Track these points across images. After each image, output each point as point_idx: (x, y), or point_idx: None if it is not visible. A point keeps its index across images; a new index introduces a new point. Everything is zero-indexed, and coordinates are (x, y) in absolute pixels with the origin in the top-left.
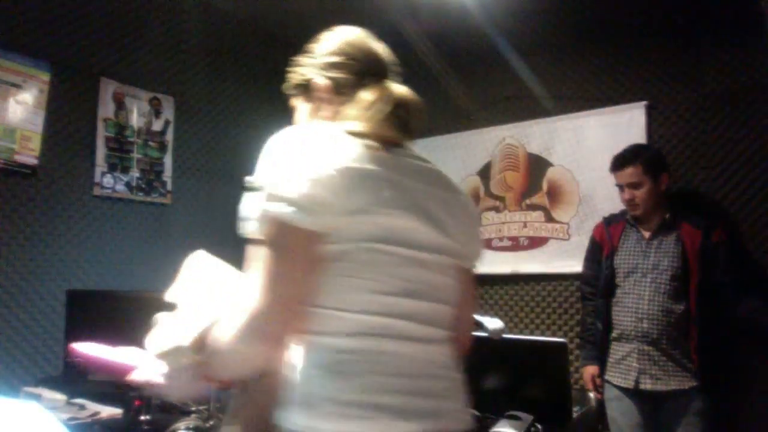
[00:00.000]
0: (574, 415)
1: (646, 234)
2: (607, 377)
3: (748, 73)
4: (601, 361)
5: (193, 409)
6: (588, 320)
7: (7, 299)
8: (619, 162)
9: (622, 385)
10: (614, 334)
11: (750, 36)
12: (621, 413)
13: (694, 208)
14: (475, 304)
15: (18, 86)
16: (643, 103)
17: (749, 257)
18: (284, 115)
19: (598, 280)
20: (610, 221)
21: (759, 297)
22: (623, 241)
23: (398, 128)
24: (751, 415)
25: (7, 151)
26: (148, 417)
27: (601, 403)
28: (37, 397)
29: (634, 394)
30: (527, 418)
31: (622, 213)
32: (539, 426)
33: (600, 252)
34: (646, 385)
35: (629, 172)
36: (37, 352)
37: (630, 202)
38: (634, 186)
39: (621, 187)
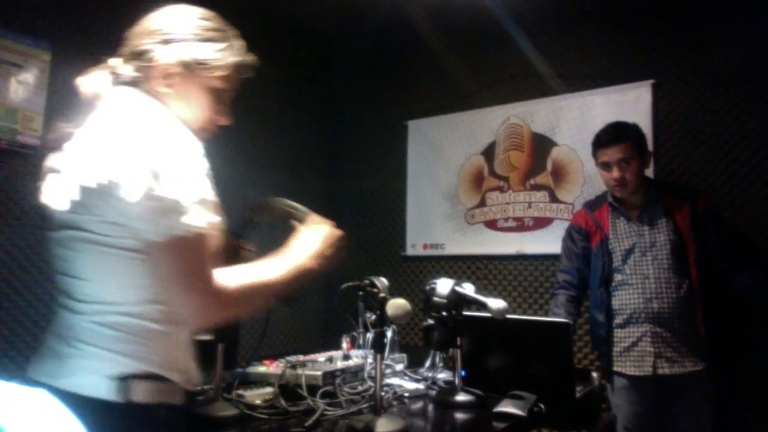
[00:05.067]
0: (577, 395)
1: (633, 213)
2: (616, 369)
3: (756, 51)
4: (606, 353)
5: (199, 389)
6: (557, 310)
7: (12, 280)
8: (610, 138)
9: (636, 374)
10: (618, 321)
11: (758, 13)
12: (628, 402)
13: (672, 184)
14: (177, 280)
15: (19, 66)
16: (650, 81)
17: (738, 229)
18: (287, 98)
19: (581, 271)
20: (592, 206)
21: (756, 271)
22: (613, 224)
23: None
24: (762, 396)
25: (9, 132)
26: None
27: (603, 385)
28: None
29: (649, 381)
30: (530, 397)
31: (602, 196)
32: (542, 405)
33: (587, 240)
34: (664, 369)
35: (621, 148)
36: (44, 332)
37: (619, 181)
38: (624, 162)
39: (608, 165)
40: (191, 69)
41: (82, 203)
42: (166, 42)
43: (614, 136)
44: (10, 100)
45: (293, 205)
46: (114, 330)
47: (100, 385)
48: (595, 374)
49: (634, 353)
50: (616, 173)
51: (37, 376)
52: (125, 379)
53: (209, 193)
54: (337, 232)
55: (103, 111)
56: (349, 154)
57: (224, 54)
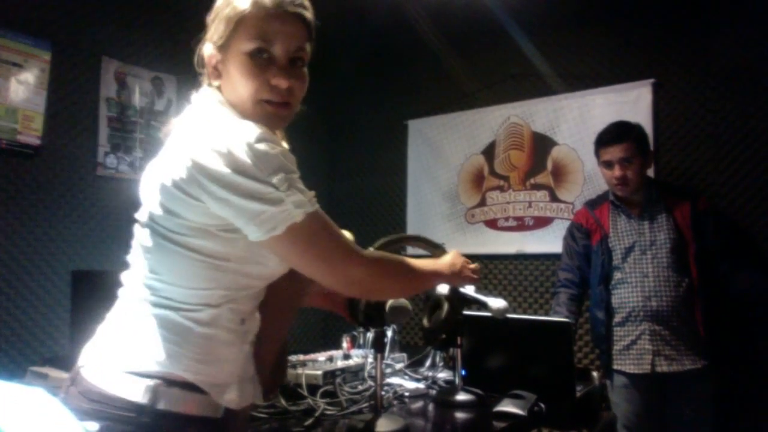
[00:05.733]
0: (578, 394)
1: (634, 211)
2: (616, 367)
3: (756, 51)
4: (606, 351)
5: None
6: (559, 309)
7: (12, 280)
8: (612, 137)
9: (636, 371)
10: (618, 319)
11: (758, 13)
12: (627, 401)
13: (672, 184)
14: (319, 259)
15: (19, 66)
16: (650, 81)
17: (738, 227)
18: None
19: (582, 270)
20: (593, 205)
21: (755, 271)
22: (613, 222)
23: None
24: (762, 395)
25: (10, 132)
26: None
27: (603, 384)
28: (44, 377)
29: (648, 379)
30: (530, 397)
31: (603, 195)
32: (542, 405)
33: (587, 238)
34: (662, 367)
35: (624, 147)
36: (44, 332)
37: (621, 180)
38: (626, 161)
39: (610, 164)
40: (220, 48)
41: (160, 200)
42: (203, 41)
43: (616, 135)
44: (10, 100)
45: (430, 240)
46: (159, 325)
47: (124, 382)
48: (595, 374)
49: (633, 351)
50: (617, 172)
51: (83, 362)
52: (155, 380)
53: (293, 170)
54: (473, 264)
55: (184, 116)
56: (350, 153)
57: (225, 12)
